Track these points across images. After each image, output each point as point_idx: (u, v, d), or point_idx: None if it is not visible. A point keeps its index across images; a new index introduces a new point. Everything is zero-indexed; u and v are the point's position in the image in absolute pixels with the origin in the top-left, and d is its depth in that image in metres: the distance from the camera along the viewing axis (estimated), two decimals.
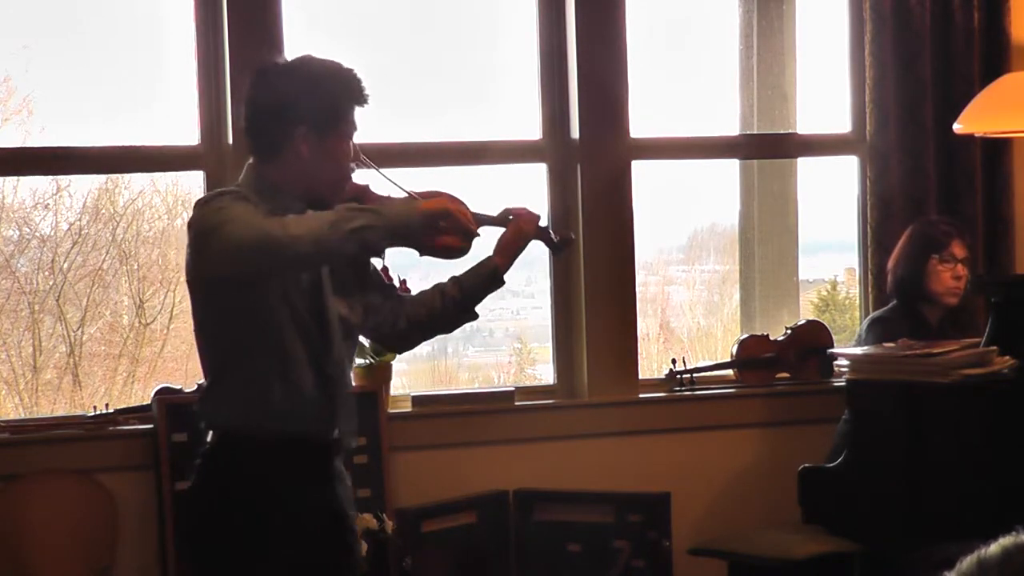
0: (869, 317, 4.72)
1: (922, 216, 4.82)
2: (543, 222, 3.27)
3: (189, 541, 3.13)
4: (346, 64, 3.03)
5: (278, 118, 2.98)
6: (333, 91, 3.00)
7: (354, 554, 3.23)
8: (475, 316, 3.29)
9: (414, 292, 3.34)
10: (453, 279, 3.25)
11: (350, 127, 3.04)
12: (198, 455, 3.09)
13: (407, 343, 3.38)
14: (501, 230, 3.22)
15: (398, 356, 4.50)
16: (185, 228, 3.03)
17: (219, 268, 2.90)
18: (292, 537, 3.03)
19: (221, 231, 2.83)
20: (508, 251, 3.22)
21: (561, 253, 3.48)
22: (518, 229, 3.21)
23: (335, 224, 2.83)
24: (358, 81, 3.02)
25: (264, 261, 2.86)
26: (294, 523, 3.04)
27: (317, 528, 3.09)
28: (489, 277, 3.22)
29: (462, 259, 3.11)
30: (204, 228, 2.90)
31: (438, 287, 3.26)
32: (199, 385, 3.09)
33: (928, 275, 4.60)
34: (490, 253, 3.23)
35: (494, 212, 3.21)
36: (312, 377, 3.04)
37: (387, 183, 3.12)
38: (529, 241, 3.24)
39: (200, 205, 2.97)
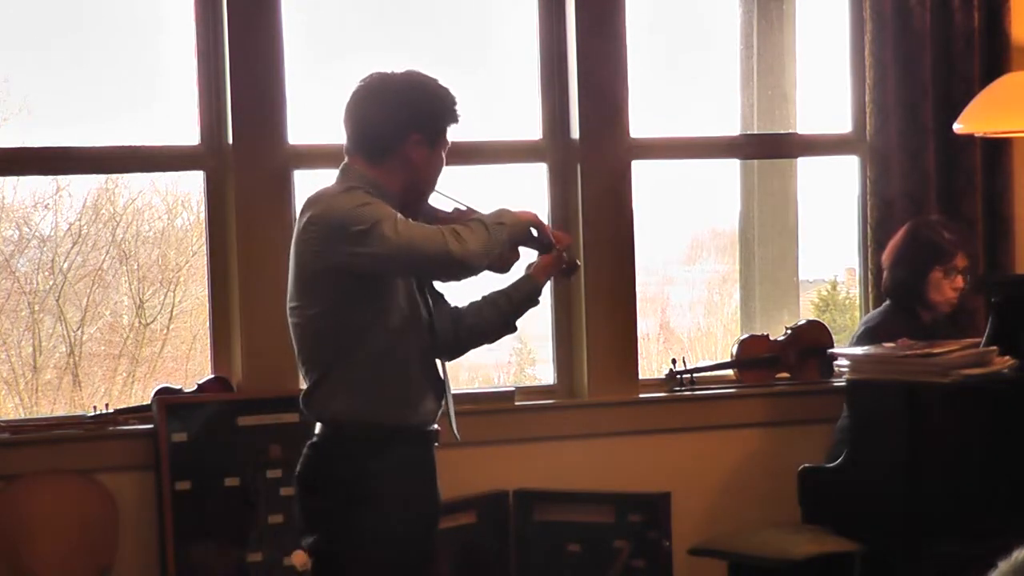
0: (862, 324, 4.71)
1: (921, 216, 4.80)
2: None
3: (304, 533, 3.18)
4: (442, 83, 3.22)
5: (395, 123, 3.13)
6: (442, 105, 3.18)
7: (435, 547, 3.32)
8: (515, 329, 3.42)
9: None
10: (502, 293, 3.35)
11: (447, 141, 3.22)
12: (306, 446, 3.16)
13: (458, 351, 3.41)
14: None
15: None
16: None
17: (375, 264, 3.00)
18: (399, 528, 3.10)
19: (377, 229, 2.96)
20: (547, 272, 3.36)
21: (568, 278, 3.57)
22: (560, 257, 3.34)
23: (492, 239, 3.05)
24: (455, 100, 3.20)
25: (427, 267, 3.06)
26: (406, 513, 3.12)
27: (421, 519, 3.18)
28: (531, 294, 3.35)
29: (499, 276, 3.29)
30: (353, 222, 2.99)
31: (488, 298, 3.36)
32: (315, 379, 3.14)
33: (929, 284, 4.59)
34: (525, 272, 3.35)
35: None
36: (422, 365, 3.17)
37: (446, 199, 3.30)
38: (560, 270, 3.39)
39: (332, 197, 3.08)
